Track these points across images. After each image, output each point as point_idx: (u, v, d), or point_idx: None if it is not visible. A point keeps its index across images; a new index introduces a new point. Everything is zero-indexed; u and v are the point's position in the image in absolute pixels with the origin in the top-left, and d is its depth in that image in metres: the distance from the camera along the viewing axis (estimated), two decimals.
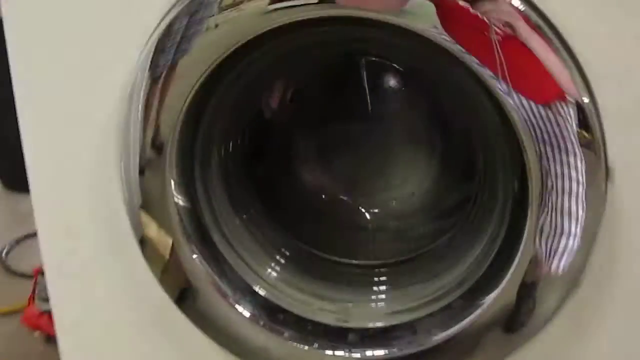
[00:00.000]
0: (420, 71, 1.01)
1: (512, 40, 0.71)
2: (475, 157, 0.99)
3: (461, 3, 0.71)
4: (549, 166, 0.74)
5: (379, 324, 0.90)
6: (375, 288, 0.97)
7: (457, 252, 0.93)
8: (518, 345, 0.83)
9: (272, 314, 0.90)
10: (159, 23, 0.79)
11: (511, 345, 0.83)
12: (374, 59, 1.03)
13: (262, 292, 0.91)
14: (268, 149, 1.06)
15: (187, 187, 0.88)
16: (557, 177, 0.74)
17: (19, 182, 1.73)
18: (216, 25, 0.77)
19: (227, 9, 0.76)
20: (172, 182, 0.85)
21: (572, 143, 0.73)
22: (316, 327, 0.90)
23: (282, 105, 1.05)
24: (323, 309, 0.92)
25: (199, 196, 0.90)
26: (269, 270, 0.95)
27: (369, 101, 1.04)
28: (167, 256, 0.87)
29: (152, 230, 0.86)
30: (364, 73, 1.03)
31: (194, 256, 0.88)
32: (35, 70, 0.86)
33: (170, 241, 0.87)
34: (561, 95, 0.72)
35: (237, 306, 0.89)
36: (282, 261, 0.97)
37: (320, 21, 0.77)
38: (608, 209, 0.76)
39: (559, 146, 0.73)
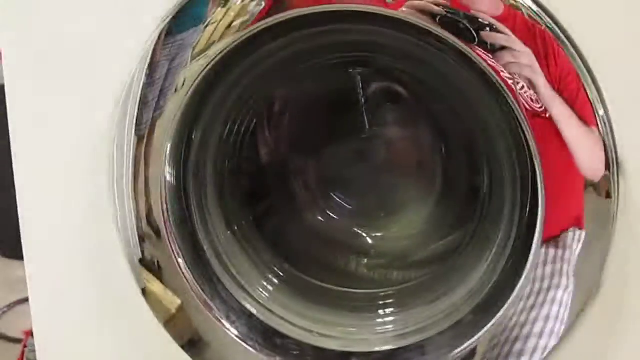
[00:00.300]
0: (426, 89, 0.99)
1: (540, 120, 0.71)
2: (480, 177, 0.96)
3: (491, 62, 0.70)
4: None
5: (386, 348, 0.87)
6: (381, 311, 0.93)
7: (466, 266, 0.90)
8: None
9: (268, 337, 0.87)
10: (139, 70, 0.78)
11: None
12: (377, 82, 1.01)
13: (256, 313, 0.88)
14: (261, 171, 1.04)
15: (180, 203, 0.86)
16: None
17: (12, 250, 1.75)
18: (183, 83, 0.76)
19: (197, 57, 0.75)
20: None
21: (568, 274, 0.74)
22: (316, 352, 0.87)
23: (275, 124, 1.03)
24: (324, 334, 0.89)
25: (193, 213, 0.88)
26: (263, 291, 0.93)
27: (366, 119, 1.01)
28: (174, 310, 0.85)
29: (155, 285, 0.84)
30: (361, 88, 1.00)
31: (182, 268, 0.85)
32: (31, 130, 0.85)
33: (178, 301, 0.85)
34: (578, 222, 0.73)
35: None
36: (277, 282, 0.95)
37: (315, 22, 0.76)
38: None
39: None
